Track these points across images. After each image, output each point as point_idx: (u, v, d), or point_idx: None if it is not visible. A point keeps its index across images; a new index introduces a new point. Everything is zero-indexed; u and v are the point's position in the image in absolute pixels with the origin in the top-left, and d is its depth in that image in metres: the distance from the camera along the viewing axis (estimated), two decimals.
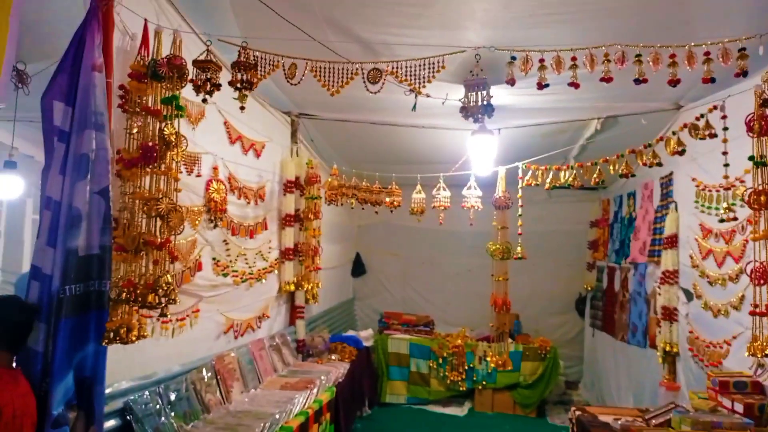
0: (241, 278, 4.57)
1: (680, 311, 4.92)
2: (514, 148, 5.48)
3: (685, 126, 3.51)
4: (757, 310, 2.88)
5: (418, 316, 8.05)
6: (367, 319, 8.90)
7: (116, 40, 2.88)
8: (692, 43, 2.68)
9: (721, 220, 3.42)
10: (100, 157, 2.58)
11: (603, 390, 7.19)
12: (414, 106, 4.36)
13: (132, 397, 2.92)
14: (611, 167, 3.98)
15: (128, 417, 2.84)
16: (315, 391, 4.35)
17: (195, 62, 2.91)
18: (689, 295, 4.76)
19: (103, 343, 2.48)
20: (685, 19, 3.24)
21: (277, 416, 3.54)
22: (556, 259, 8.53)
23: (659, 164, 3.77)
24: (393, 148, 6.62)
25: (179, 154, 2.87)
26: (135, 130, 2.82)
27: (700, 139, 3.37)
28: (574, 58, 2.75)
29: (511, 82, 2.77)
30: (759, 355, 2.79)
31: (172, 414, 3.16)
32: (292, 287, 5.63)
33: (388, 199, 5.68)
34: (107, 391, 2.72)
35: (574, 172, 4.18)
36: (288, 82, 2.94)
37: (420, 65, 2.89)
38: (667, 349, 4.93)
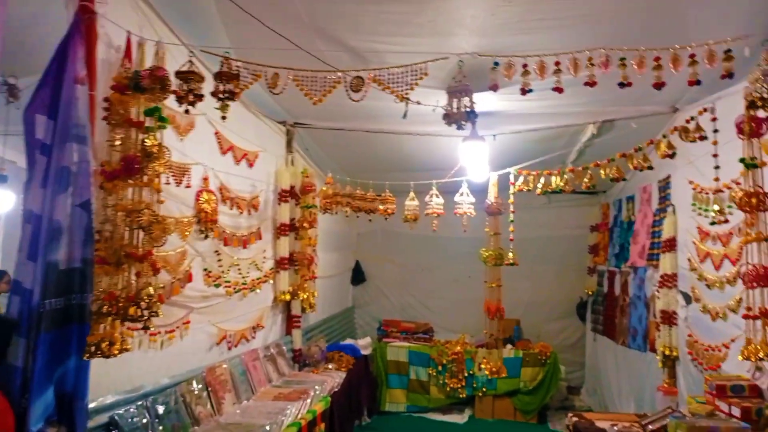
0: (234, 289, 4.55)
1: (679, 315, 4.87)
2: (510, 154, 5.46)
3: (675, 129, 3.47)
4: (751, 313, 2.83)
5: (417, 324, 8.00)
6: (366, 327, 8.86)
7: (100, 52, 2.88)
8: (677, 46, 2.65)
9: (712, 223, 3.38)
10: (82, 169, 2.58)
11: (605, 395, 7.12)
12: (405, 114, 4.37)
13: (118, 412, 2.89)
14: (602, 171, 3.94)
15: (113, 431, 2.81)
16: (309, 401, 4.31)
17: (177, 73, 2.90)
18: (688, 299, 4.71)
19: (84, 357, 2.45)
20: (674, 23, 3.22)
21: (268, 428, 3.51)
22: (557, 264, 8.50)
23: (650, 168, 3.74)
24: (388, 155, 6.61)
25: (162, 166, 2.85)
26: (117, 142, 2.81)
27: (691, 141, 3.34)
28: (557, 63, 2.72)
29: (494, 88, 2.75)
30: (753, 359, 2.74)
31: (160, 428, 3.13)
32: (288, 297, 5.60)
33: (381, 207, 5.66)
34: (92, 405, 2.70)
35: (566, 176, 4.14)
36: (270, 92, 2.93)
37: (403, 73, 2.87)
38: (667, 353, 4.88)
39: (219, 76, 2.86)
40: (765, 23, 2.77)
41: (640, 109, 4.78)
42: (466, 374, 7.15)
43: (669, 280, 4.97)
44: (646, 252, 5.81)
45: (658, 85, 2.69)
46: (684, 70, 2.76)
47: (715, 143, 3.38)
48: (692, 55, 2.62)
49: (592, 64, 2.71)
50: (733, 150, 3.23)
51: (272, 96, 4.93)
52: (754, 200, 2.81)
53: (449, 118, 2.79)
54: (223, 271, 4.39)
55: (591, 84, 2.69)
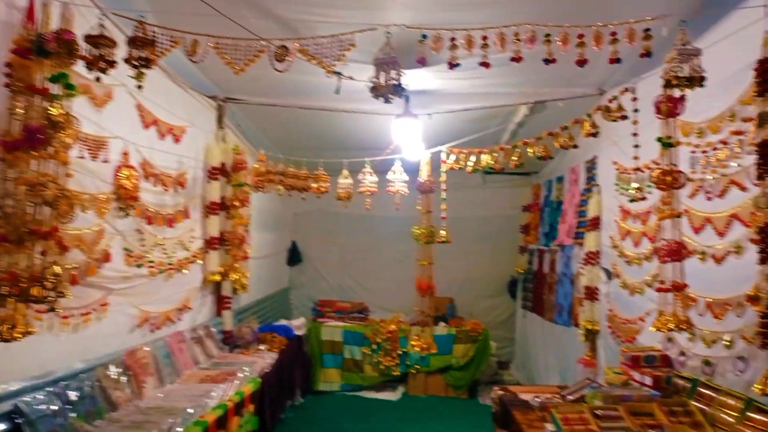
0: (159, 269, 4.35)
1: (601, 290, 5.07)
2: (445, 134, 5.48)
3: (598, 108, 3.56)
4: (664, 286, 2.97)
5: (353, 303, 8.00)
6: (303, 308, 8.77)
7: (1, 12, 2.65)
8: (600, 23, 2.70)
9: (632, 200, 3.51)
10: None
11: (532, 369, 7.38)
12: (337, 90, 4.27)
13: (24, 399, 2.71)
14: (530, 150, 4.01)
15: (17, 420, 2.62)
16: (237, 383, 4.21)
17: (87, 37, 2.69)
18: (609, 275, 4.91)
19: None
20: (600, 2, 3.27)
21: (191, 411, 3.39)
22: (491, 243, 8.69)
23: (575, 146, 3.83)
24: (323, 133, 6.51)
25: (71, 137, 2.66)
26: (20, 111, 2.60)
27: (613, 121, 3.43)
28: (484, 38, 2.72)
29: (422, 61, 2.72)
30: (664, 330, 2.88)
31: (73, 414, 2.95)
32: (218, 277, 5.45)
33: (314, 185, 5.57)
34: None
35: (495, 154, 4.19)
36: (190, 59, 2.78)
37: (329, 43, 2.78)
38: (589, 327, 5.08)
39: (133, 42, 2.67)
40: (682, 4, 2.86)
41: (570, 90, 4.90)
42: (400, 352, 7.23)
43: (593, 258, 5.16)
44: (573, 231, 6.01)
45: (581, 62, 2.73)
46: (609, 50, 2.82)
47: (635, 123, 3.49)
48: (613, 33, 2.67)
49: (519, 40, 2.72)
50: (655, 131, 3.35)
51: (202, 69, 4.78)
52: (669, 178, 2.92)
53: (376, 91, 2.72)
54: (146, 251, 4.19)
55: (517, 60, 2.70)
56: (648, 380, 3.46)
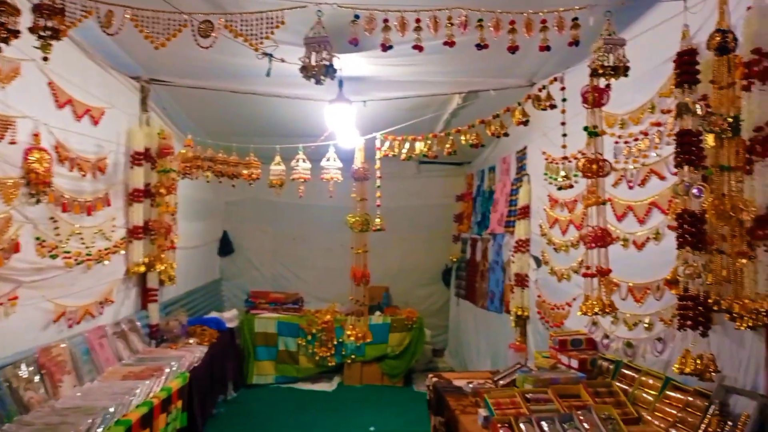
0: (76, 260, 4.08)
1: (530, 277, 5.21)
2: (380, 122, 5.42)
3: (528, 97, 3.62)
4: (589, 272, 3.05)
5: (287, 294, 7.87)
6: (235, 300, 8.53)
7: None
8: (530, 11, 2.72)
9: (560, 188, 3.59)
10: None
11: (465, 356, 7.53)
12: (268, 72, 4.13)
13: None
14: (463, 137, 4.04)
15: None
16: (163, 378, 4.02)
17: None
18: (538, 262, 5.05)
19: None
20: None
21: (112, 410, 3.20)
22: (426, 232, 8.78)
23: (506, 134, 3.89)
24: (254, 119, 6.32)
25: None
26: None
27: (542, 109, 3.50)
28: (418, 20, 2.68)
29: (354, 42, 2.65)
30: (589, 314, 2.96)
31: None
32: (143, 268, 5.18)
33: (246, 172, 5.39)
34: None
35: (429, 142, 4.19)
36: (104, 32, 2.58)
37: (257, 20, 2.66)
38: (519, 313, 5.21)
39: (38, 9, 2.45)
40: None
41: (502, 81, 4.98)
42: (335, 342, 7.18)
43: (522, 245, 5.29)
44: (504, 219, 6.15)
45: (512, 49, 2.75)
46: (540, 38, 2.85)
47: (563, 111, 3.57)
48: (543, 21, 2.70)
49: (452, 24, 2.70)
50: (582, 122, 3.44)
51: (125, 48, 4.50)
52: (594, 166, 3.00)
53: (306, 71, 2.63)
54: (61, 241, 3.91)
55: (450, 44, 2.68)
56: (575, 363, 3.58)
